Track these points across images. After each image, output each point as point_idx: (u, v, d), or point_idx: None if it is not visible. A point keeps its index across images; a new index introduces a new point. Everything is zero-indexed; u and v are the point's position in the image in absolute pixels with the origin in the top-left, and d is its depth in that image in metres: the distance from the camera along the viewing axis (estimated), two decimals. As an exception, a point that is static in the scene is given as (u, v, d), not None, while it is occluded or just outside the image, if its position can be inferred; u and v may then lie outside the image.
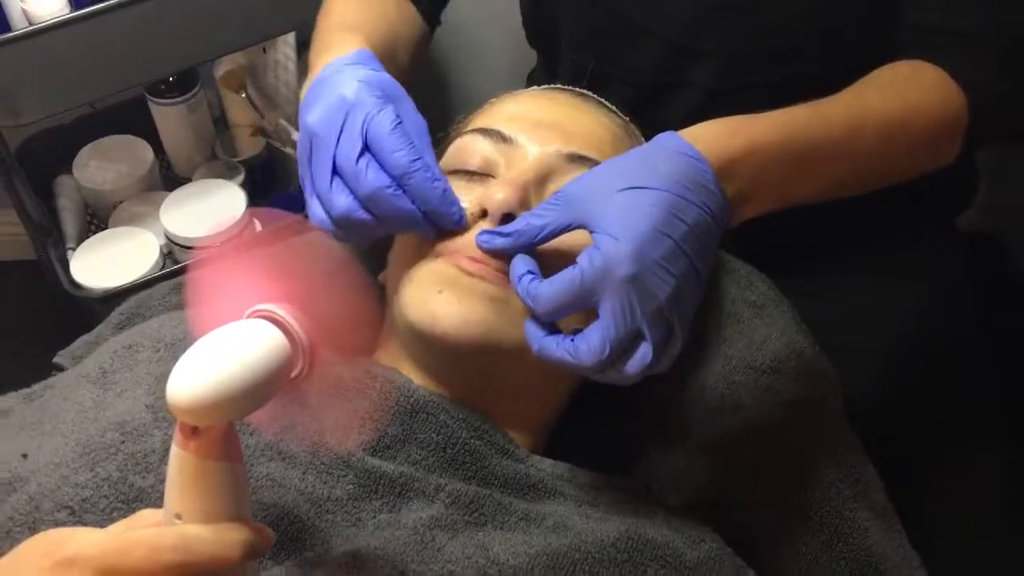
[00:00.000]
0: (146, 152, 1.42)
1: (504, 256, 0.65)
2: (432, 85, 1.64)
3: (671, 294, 0.59)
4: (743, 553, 0.69)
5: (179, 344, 0.71)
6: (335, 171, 0.67)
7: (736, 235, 0.70)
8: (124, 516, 0.54)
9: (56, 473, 0.62)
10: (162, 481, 0.59)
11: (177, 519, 0.49)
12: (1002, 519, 0.97)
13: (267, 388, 0.49)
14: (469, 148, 0.74)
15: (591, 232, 0.60)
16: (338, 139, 0.66)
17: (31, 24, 1.07)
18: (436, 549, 0.61)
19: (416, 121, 0.69)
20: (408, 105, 0.70)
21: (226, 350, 0.48)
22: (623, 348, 0.59)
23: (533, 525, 0.65)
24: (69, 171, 1.41)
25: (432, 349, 0.67)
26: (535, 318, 0.63)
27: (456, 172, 0.73)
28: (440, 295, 0.66)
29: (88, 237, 1.34)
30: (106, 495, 0.61)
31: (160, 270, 1.28)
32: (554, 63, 0.99)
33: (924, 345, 0.96)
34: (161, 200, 1.33)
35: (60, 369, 0.81)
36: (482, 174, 0.72)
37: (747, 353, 0.77)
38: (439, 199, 0.66)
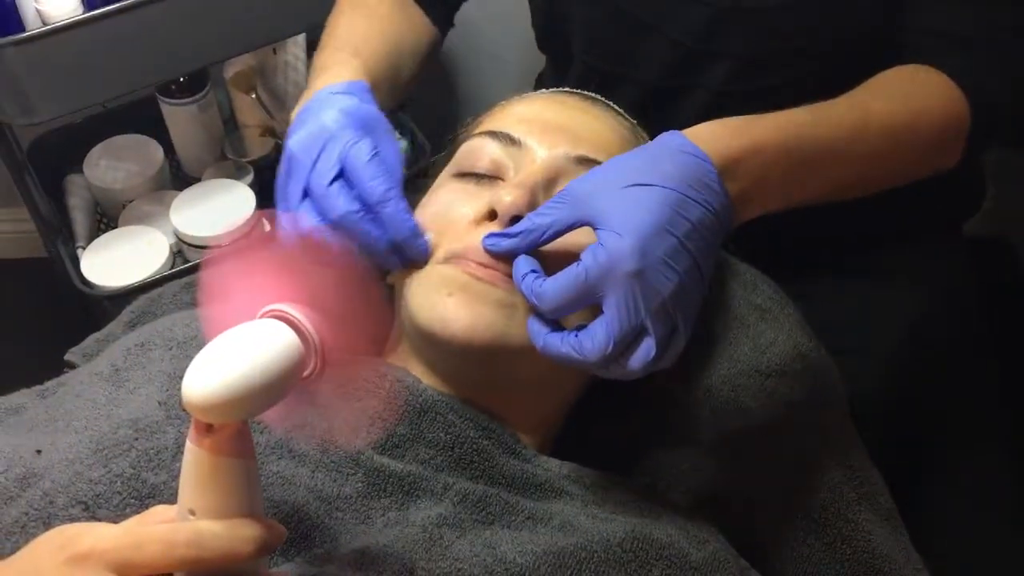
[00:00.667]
0: (156, 152, 1.43)
1: (512, 259, 0.66)
2: (441, 87, 1.64)
3: (674, 290, 0.60)
4: (747, 554, 0.70)
5: (191, 342, 0.72)
6: (307, 193, 0.69)
7: (740, 237, 0.70)
8: (137, 512, 0.55)
9: (70, 469, 0.63)
10: (174, 478, 0.60)
11: (191, 515, 0.50)
12: (1004, 520, 0.97)
13: (280, 387, 0.50)
14: (478, 150, 0.74)
15: (595, 229, 0.61)
16: (314, 164, 0.68)
17: (45, 24, 1.08)
18: (444, 547, 0.62)
19: (393, 155, 0.71)
20: (388, 139, 0.72)
21: (241, 349, 0.49)
22: (627, 343, 0.60)
23: (540, 524, 0.65)
24: (79, 170, 1.42)
25: (441, 351, 0.68)
26: (539, 315, 0.64)
27: (465, 174, 0.74)
28: (450, 298, 0.67)
29: (98, 236, 1.34)
30: (119, 491, 0.61)
31: (170, 269, 1.29)
32: (564, 65, 0.99)
33: (927, 349, 0.96)
34: (171, 199, 1.34)
35: (71, 366, 0.82)
36: (491, 176, 0.73)
37: (752, 356, 0.78)
38: (411, 229, 0.68)
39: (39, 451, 0.65)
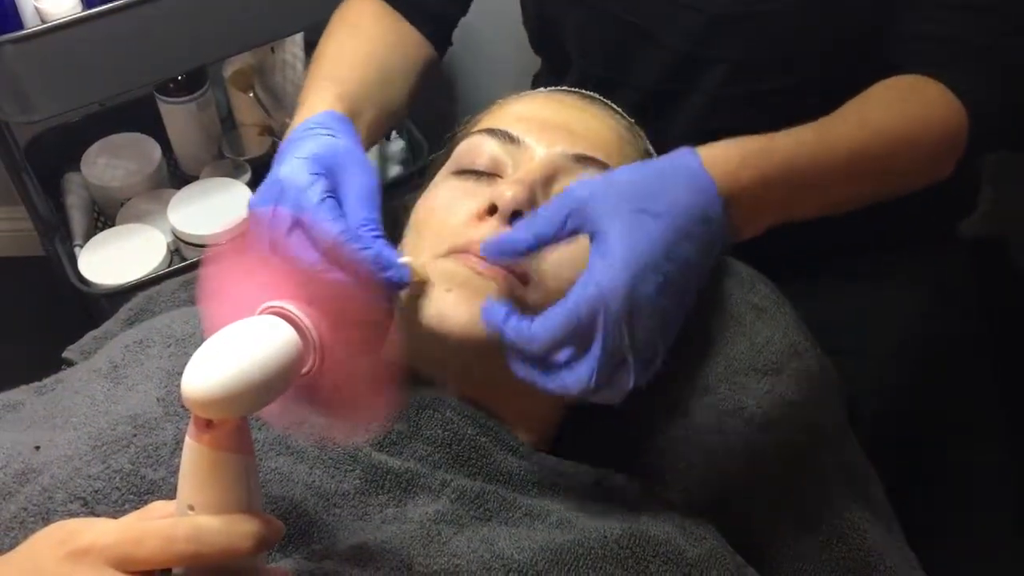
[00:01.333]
0: (154, 150, 1.43)
1: (516, 255, 0.66)
2: (438, 86, 1.65)
3: (659, 325, 0.60)
4: (743, 551, 0.70)
5: (189, 340, 0.72)
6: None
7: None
8: (136, 508, 0.55)
9: (69, 465, 0.63)
10: (173, 474, 0.60)
11: (190, 510, 0.50)
12: (1004, 521, 0.97)
13: (280, 383, 0.50)
14: (477, 148, 0.75)
15: (592, 244, 0.61)
16: (271, 219, 0.65)
17: (44, 22, 1.08)
18: (442, 543, 0.62)
19: (362, 185, 0.68)
20: (357, 171, 0.69)
21: (240, 345, 0.49)
22: (609, 376, 0.61)
23: (537, 521, 0.65)
24: (77, 168, 1.42)
25: (439, 347, 0.68)
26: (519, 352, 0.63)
27: (464, 172, 0.75)
28: (449, 293, 0.67)
29: (95, 234, 1.34)
30: (118, 487, 0.62)
31: (167, 267, 1.29)
32: (560, 67, 1.00)
33: (925, 349, 0.96)
34: (168, 198, 1.34)
35: (69, 364, 0.82)
36: (490, 174, 0.73)
37: (749, 354, 0.78)
38: (374, 262, 0.63)
39: (38, 447, 0.65)
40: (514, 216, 0.69)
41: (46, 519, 0.60)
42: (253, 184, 1.40)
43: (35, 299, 1.66)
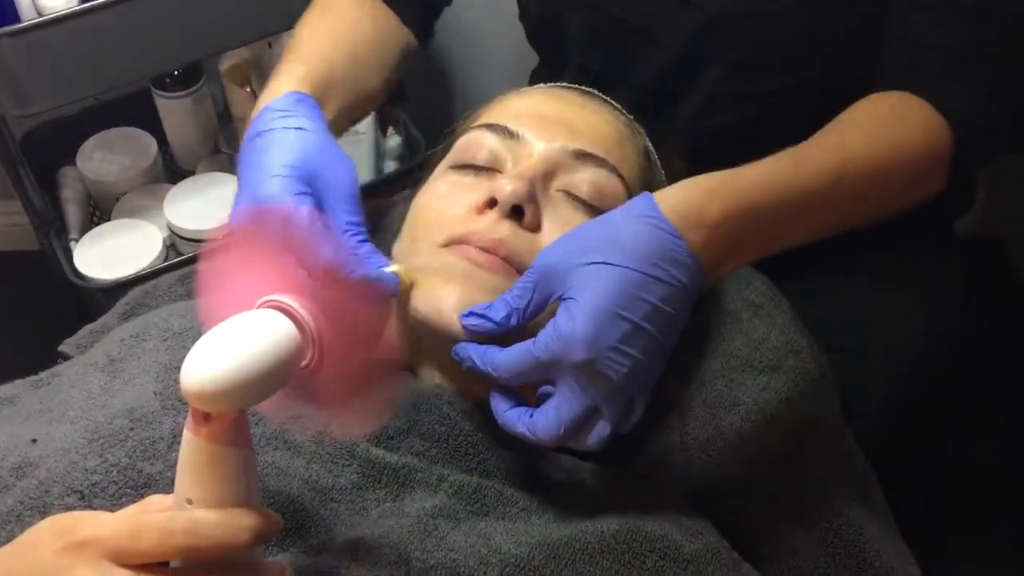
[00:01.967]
0: (150, 144, 1.43)
1: (512, 244, 0.67)
2: (435, 83, 1.64)
3: (627, 373, 0.60)
4: (739, 547, 0.70)
5: (186, 333, 0.72)
6: None
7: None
8: (133, 501, 0.55)
9: (65, 459, 0.63)
10: (170, 468, 0.60)
11: (188, 504, 0.50)
12: (1003, 521, 0.98)
13: (278, 377, 0.50)
14: (476, 143, 0.75)
15: (559, 301, 0.62)
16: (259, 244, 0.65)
17: (40, 15, 1.08)
18: (439, 538, 0.62)
19: (340, 183, 0.69)
20: (334, 168, 0.70)
21: (239, 339, 0.49)
22: (579, 424, 0.62)
23: (534, 516, 0.66)
24: (73, 162, 1.41)
25: (437, 340, 0.68)
26: (500, 388, 0.65)
27: (463, 166, 0.75)
28: (447, 285, 0.67)
29: (91, 229, 1.34)
30: (115, 480, 0.61)
31: (163, 262, 1.29)
32: (558, 64, 1.00)
33: (923, 348, 0.96)
34: (164, 192, 1.34)
35: (65, 358, 0.82)
36: (489, 168, 0.73)
37: (746, 351, 0.78)
38: (362, 283, 0.64)
39: (34, 440, 0.65)
40: (513, 211, 0.69)
41: (43, 512, 0.60)
42: (249, 179, 1.39)
43: (30, 294, 1.66)
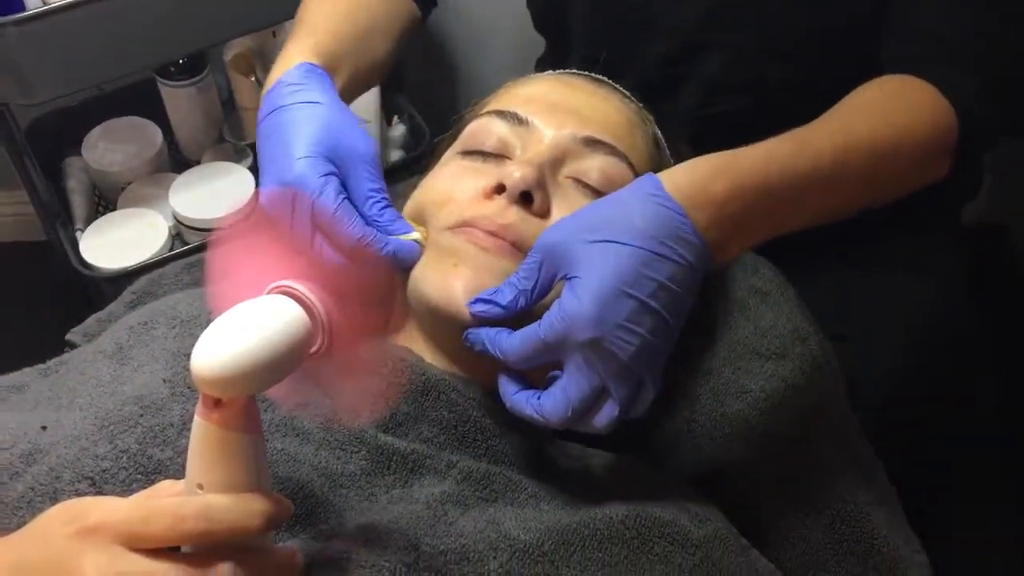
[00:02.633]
0: (155, 134, 1.42)
1: (520, 230, 0.67)
2: (440, 70, 1.64)
3: (635, 352, 0.60)
4: (747, 533, 0.70)
5: (194, 321, 0.72)
6: None
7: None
8: (143, 487, 0.56)
9: (76, 445, 0.63)
10: (180, 454, 0.60)
11: (199, 489, 0.50)
12: (1006, 511, 0.98)
13: (288, 362, 0.50)
14: (485, 129, 0.75)
15: (565, 281, 0.62)
16: (291, 225, 0.67)
17: (45, 4, 1.08)
18: (448, 523, 0.62)
19: (362, 156, 0.70)
20: (351, 133, 0.71)
21: (249, 324, 0.49)
22: (588, 405, 0.61)
23: (543, 502, 0.66)
24: (78, 152, 1.41)
25: (445, 325, 0.68)
26: (509, 370, 0.65)
27: (471, 152, 0.75)
28: (455, 269, 0.67)
29: (96, 218, 1.34)
30: (125, 467, 0.62)
31: (169, 251, 1.29)
32: (564, 52, 1.00)
33: (927, 335, 0.96)
34: (169, 182, 1.34)
35: (72, 346, 0.82)
36: (497, 155, 0.73)
37: (753, 338, 0.78)
38: (391, 258, 0.67)
39: (44, 427, 0.65)
40: (522, 197, 0.69)
41: (54, 499, 0.60)
42: (254, 168, 1.40)
43: (36, 284, 1.66)
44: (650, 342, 0.60)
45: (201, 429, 0.50)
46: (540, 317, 0.62)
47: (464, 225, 0.69)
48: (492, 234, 0.68)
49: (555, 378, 0.63)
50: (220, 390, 0.48)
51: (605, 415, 0.62)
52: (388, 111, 1.48)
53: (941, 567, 0.77)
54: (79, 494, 0.60)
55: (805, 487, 0.75)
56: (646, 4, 0.88)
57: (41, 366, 0.77)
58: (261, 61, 1.41)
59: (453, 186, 0.73)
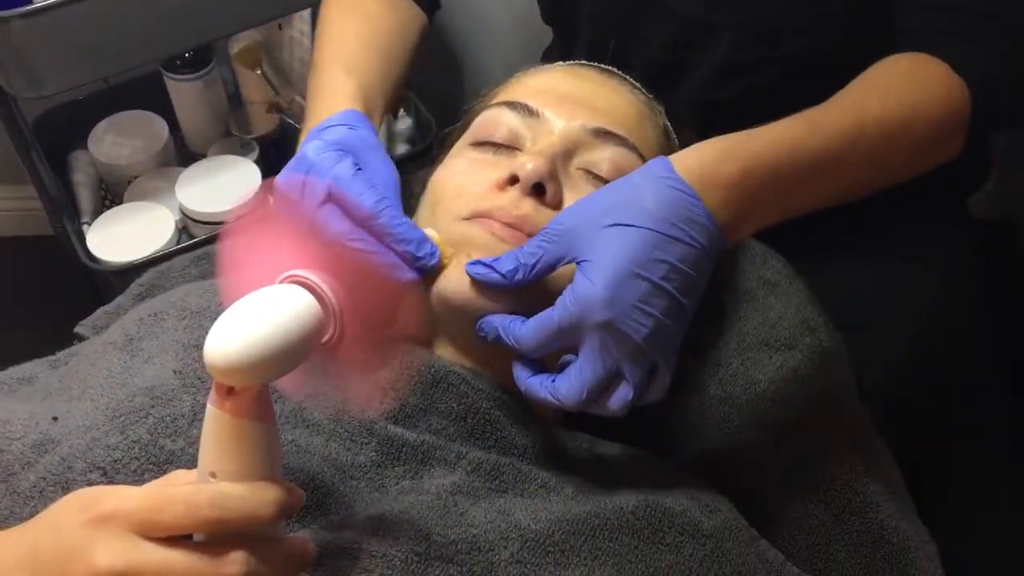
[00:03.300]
0: (161, 128, 1.42)
1: (535, 221, 0.67)
2: (445, 64, 1.64)
3: (648, 334, 0.60)
4: (756, 523, 0.70)
5: (204, 313, 0.72)
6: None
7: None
8: (155, 477, 0.56)
9: (87, 435, 0.63)
10: (191, 444, 0.60)
11: (212, 477, 0.50)
12: (1011, 504, 0.98)
13: (301, 351, 0.50)
14: (495, 120, 0.75)
15: (577, 265, 0.62)
16: (301, 192, 0.67)
17: (52, -3, 1.07)
18: (459, 514, 0.62)
19: (385, 172, 0.71)
20: (377, 158, 0.71)
21: (262, 313, 0.49)
22: (603, 387, 0.61)
23: (553, 493, 0.66)
24: (84, 146, 1.41)
25: (457, 316, 0.68)
26: (522, 356, 0.65)
27: (482, 144, 0.75)
28: (470, 258, 0.67)
29: (103, 212, 1.34)
30: (137, 457, 0.62)
31: (175, 245, 1.29)
32: (571, 40, 0.99)
33: (934, 326, 0.96)
34: (176, 176, 1.34)
35: (80, 339, 0.82)
36: (508, 146, 0.73)
37: (761, 330, 0.78)
38: (409, 235, 0.66)
39: (55, 418, 0.65)
40: (535, 188, 0.69)
41: (66, 488, 0.60)
42: (260, 162, 1.40)
43: (44, 277, 1.66)
44: (664, 324, 0.60)
45: (214, 417, 0.50)
46: (553, 304, 0.62)
47: (479, 216, 0.69)
48: (509, 225, 0.68)
49: (568, 363, 0.63)
50: (233, 378, 0.48)
51: (619, 397, 0.62)
52: (394, 105, 1.48)
53: (950, 556, 0.77)
54: (91, 484, 0.60)
55: (814, 477, 0.75)
56: None
57: (51, 358, 0.77)
58: (267, 55, 1.41)
59: (466, 178, 0.73)
